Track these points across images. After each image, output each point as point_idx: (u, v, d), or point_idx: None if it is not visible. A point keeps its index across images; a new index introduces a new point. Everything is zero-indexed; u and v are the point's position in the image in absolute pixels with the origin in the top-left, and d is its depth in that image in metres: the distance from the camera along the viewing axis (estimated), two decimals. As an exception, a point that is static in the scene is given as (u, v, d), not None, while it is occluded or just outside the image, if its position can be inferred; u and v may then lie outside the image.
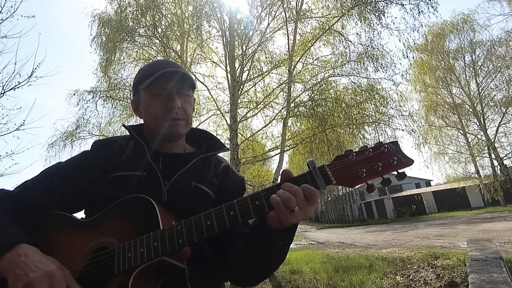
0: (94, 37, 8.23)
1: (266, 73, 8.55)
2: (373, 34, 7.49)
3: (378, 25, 7.40)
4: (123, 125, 0.96)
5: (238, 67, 7.52)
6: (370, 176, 0.64)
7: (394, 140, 0.68)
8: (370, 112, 7.57)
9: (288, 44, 7.63)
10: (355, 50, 7.93)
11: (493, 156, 18.77)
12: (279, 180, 0.69)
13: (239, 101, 7.67)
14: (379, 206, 31.31)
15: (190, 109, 0.91)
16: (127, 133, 0.93)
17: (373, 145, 0.68)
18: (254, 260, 0.75)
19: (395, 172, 0.65)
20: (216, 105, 8.54)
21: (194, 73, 8.34)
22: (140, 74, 0.93)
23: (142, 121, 0.97)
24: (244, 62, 7.46)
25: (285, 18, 7.53)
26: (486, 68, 19.10)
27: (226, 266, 0.82)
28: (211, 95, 8.47)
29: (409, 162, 0.65)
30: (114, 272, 0.67)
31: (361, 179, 0.64)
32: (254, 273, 0.80)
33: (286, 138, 7.67)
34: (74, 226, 0.81)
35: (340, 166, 0.66)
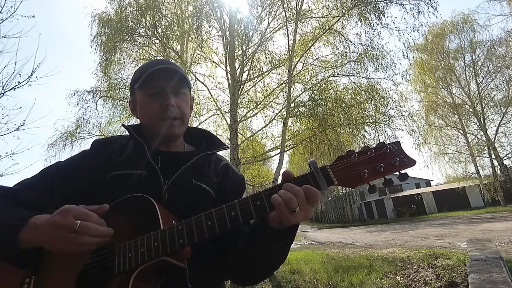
0: (94, 37, 8.23)
1: (266, 73, 8.55)
2: (373, 34, 7.49)
3: (378, 25, 7.40)
4: (123, 125, 0.96)
5: (238, 67, 7.52)
6: (372, 176, 0.64)
7: (396, 140, 0.68)
8: (370, 112, 7.56)
9: (288, 44, 7.63)
10: (355, 50, 7.94)
11: (493, 156, 18.78)
12: (279, 180, 0.69)
13: (239, 101, 7.67)
14: (379, 206, 31.31)
15: (185, 107, 0.90)
16: (127, 133, 0.93)
17: (375, 146, 0.68)
18: (254, 260, 0.74)
19: (397, 173, 0.65)
20: (216, 105, 8.54)
21: (194, 73, 8.34)
22: (135, 74, 0.93)
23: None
24: (244, 62, 7.46)
25: (285, 18, 7.53)
26: (486, 68, 19.11)
27: (226, 265, 0.82)
28: (211, 95, 8.48)
29: (411, 162, 0.64)
30: (114, 272, 0.67)
31: (363, 180, 0.64)
32: (254, 272, 0.80)
33: (286, 138, 7.67)
34: None
35: (342, 167, 0.65)
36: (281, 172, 0.73)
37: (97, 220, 0.68)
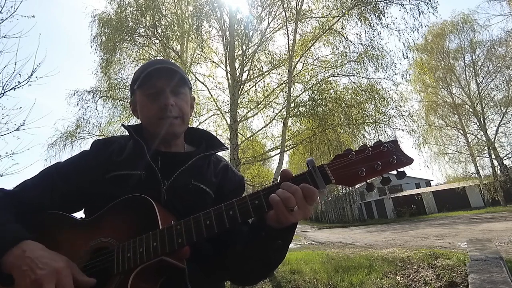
0: (94, 37, 8.24)
1: (266, 73, 8.56)
2: (373, 34, 7.50)
3: (378, 25, 7.41)
4: (122, 125, 0.96)
5: (238, 67, 7.52)
6: (370, 175, 0.64)
7: (394, 139, 0.68)
8: (370, 112, 7.57)
9: (288, 44, 7.63)
10: (355, 50, 7.95)
11: (493, 156, 18.77)
12: (279, 180, 0.69)
13: (239, 101, 7.67)
14: (379, 206, 31.31)
15: (185, 106, 0.90)
16: (127, 133, 0.93)
17: (372, 144, 0.68)
18: (253, 259, 0.74)
19: (395, 171, 0.65)
20: (216, 105, 8.54)
21: (194, 73, 8.34)
22: (135, 74, 0.93)
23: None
24: (244, 62, 7.46)
25: (285, 18, 7.54)
26: (486, 68, 19.11)
27: (225, 265, 0.82)
28: (211, 95, 8.49)
29: (408, 161, 0.65)
30: (113, 272, 0.67)
31: (360, 178, 0.64)
32: (253, 272, 0.80)
33: (286, 138, 7.67)
34: (74, 226, 0.80)
35: (339, 165, 0.65)
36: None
37: None
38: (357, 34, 7.81)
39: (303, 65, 8.55)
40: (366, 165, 0.64)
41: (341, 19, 7.67)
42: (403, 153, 0.65)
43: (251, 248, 0.73)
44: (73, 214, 0.85)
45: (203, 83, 8.50)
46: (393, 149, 0.66)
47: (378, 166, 0.64)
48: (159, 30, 7.47)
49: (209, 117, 9.17)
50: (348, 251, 8.01)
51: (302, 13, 8.02)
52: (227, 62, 7.51)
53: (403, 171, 0.64)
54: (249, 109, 8.70)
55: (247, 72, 7.79)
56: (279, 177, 0.70)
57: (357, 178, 0.64)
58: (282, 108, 8.15)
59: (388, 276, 4.88)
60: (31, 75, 5.16)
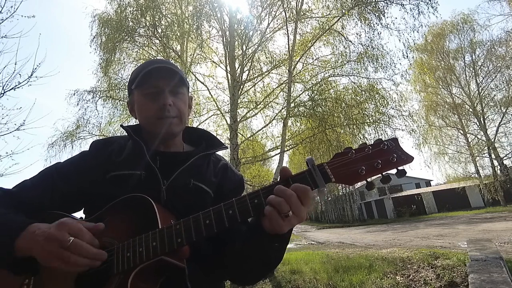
0: (94, 37, 8.24)
1: (266, 73, 8.55)
2: (373, 34, 7.50)
3: (378, 25, 7.41)
4: (121, 125, 0.96)
5: (238, 67, 7.52)
6: (370, 173, 0.63)
7: (394, 137, 0.67)
8: (370, 112, 7.56)
9: (288, 44, 7.63)
10: (355, 50, 7.94)
11: (493, 156, 18.77)
12: (279, 179, 0.69)
13: (239, 101, 7.67)
14: (379, 206, 31.32)
15: (183, 106, 0.90)
16: (126, 133, 0.93)
17: (372, 143, 0.67)
18: (252, 259, 0.74)
19: (395, 170, 0.64)
20: (216, 105, 8.54)
21: (194, 73, 8.34)
22: (132, 74, 0.93)
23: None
24: (244, 62, 7.46)
25: (285, 18, 7.53)
26: (486, 68, 19.11)
27: (225, 265, 0.82)
28: (211, 95, 8.49)
29: (408, 159, 0.64)
30: (113, 271, 0.67)
31: (360, 177, 0.63)
32: (252, 271, 0.80)
33: (286, 138, 7.67)
34: None
35: (339, 164, 0.65)
36: (281, 171, 0.73)
37: (91, 239, 0.66)
38: (357, 34, 7.83)
39: (303, 65, 8.56)
40: (366, 163, 0.64)
41: (341, 19, 7.67)
42: (403, 151, 0.65)
43: (249, 247, 0.73)
44: (73, 214, 0.85)
45: (203, 83, 8.50)
46: (393, 147, 0.65)
47: (378, 164, 0.63)
48: (159, 30, 7.47)
49: (209, 117, 9.19)
50: (348, 251, 8.01)
51: (302, 13, 8.02)
52: (227, 62, 7.51)
53: (403, 169, 0.64)
54: (249, 109, 8.70)
55: (247, 72, 7.79)
56: (279, 176, 0.70)
57: (357, 176, 0.64)
58: (282, 108, 8.15)
59: (388, 276, 4.88)
60: (31, 75, 5.17)
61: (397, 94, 7.67)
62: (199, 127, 5.82)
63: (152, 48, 8.34)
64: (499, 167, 18.76)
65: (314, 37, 8.09)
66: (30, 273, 0.71)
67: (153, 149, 0.87)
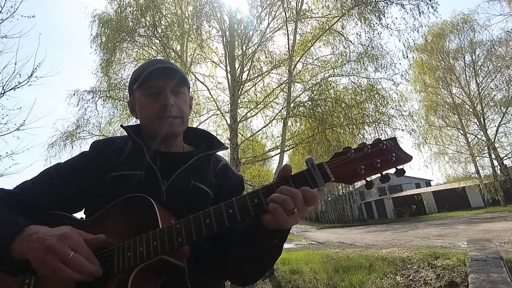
0: (94, 37, 8.23)
1: (266, 73, 8.55)
2: (373, 34, 7.49)
3: (378, 25, 7.39)
4: (121, 125, 0.97)
5: (238, 67, 7.52)
6: (369, 173, 0.64)
7: (393, 136, 0.68)
8: (370, 112, 7.57)
9: (288, 44, 7.63)
10: (355, 50, 7.93)
11: (493, 156, 18.78)
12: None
13: (239, 101, 7.66)
14: (379, 206, 31.32)
15: (184, 106, 0.90)
16: (126, 133, 0.93)
17: (371, 142, 0.68)
18: (250, 258, 0.74)
19: (394, 169, 0.65)
20: (216, 105, 8.54)
21: (194, 73, 8.34)
22: (133, 74, 0.93)
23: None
24: (244, 62, 7.46)
25: (285, 18, 7.53)
26: (486, 68, 19.12)
27: (224, 265, 0.82)
28: (211, 95, 8.49)
29: (407, 158, 0.64)
30: (113, 271, 0.67)
31: (359, 176, 0.64)
32: (251, 271, 0.80)
33: (286, 138, 7.66)
34: (74, 226, 0.80)
35: (338, 163, 0.65)
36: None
37: (89, 255, 0.66)
38: (357, 34, 7.81)
39: (303, 65, 8.55)
40: (365, 162, 0.64)
41: (341, 19, 7.66)
42: (402, 151, 0.65)
43: (247, 247, 0.73)
44: (73, 214, 0.85)
45: (203, 83, 8.50)
46: (392, 146, 0.66)
47: (377, 163, 0.64)
48: (159, 30, 7.47)
49: (209, 117, 9.18)
50: (348, 251, 8.01)
51: (302, 13, 8.01)
52: (227, 62, 7.51)
53: (402, 168, 0.64)
54: (249, 109, 8.70)
55: (247, 72, 7.78)
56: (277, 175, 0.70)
57: (356, 176, 0.64)
58: (282, 108, 8.14)
59: (388, 276, 4.88)
60: (31, 75, 5.19)
61: (397, 94, 7.68)
62: (199, 127, 5.83)
63: (152, 48, 8.34)
64: (499, 167, 18.76)
65: (314, 37, 8.09)
66: (29, 273, 0.71)
67: (153, 150, 0.87)
